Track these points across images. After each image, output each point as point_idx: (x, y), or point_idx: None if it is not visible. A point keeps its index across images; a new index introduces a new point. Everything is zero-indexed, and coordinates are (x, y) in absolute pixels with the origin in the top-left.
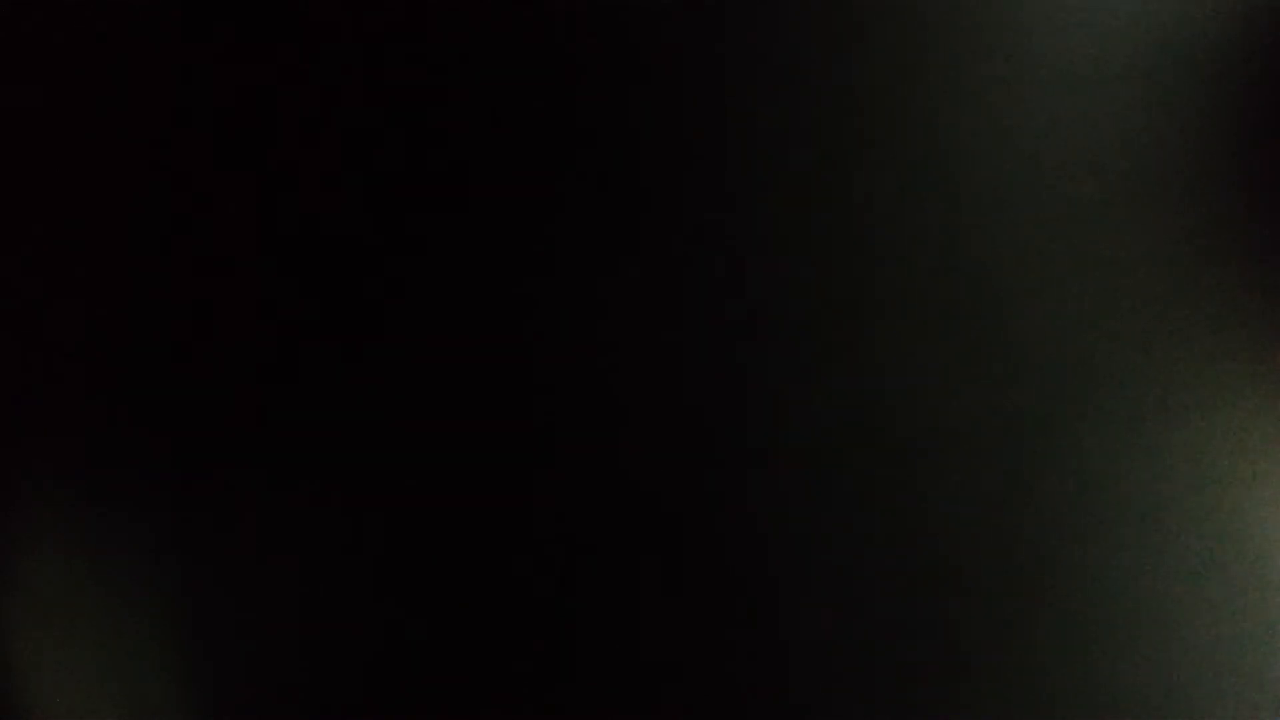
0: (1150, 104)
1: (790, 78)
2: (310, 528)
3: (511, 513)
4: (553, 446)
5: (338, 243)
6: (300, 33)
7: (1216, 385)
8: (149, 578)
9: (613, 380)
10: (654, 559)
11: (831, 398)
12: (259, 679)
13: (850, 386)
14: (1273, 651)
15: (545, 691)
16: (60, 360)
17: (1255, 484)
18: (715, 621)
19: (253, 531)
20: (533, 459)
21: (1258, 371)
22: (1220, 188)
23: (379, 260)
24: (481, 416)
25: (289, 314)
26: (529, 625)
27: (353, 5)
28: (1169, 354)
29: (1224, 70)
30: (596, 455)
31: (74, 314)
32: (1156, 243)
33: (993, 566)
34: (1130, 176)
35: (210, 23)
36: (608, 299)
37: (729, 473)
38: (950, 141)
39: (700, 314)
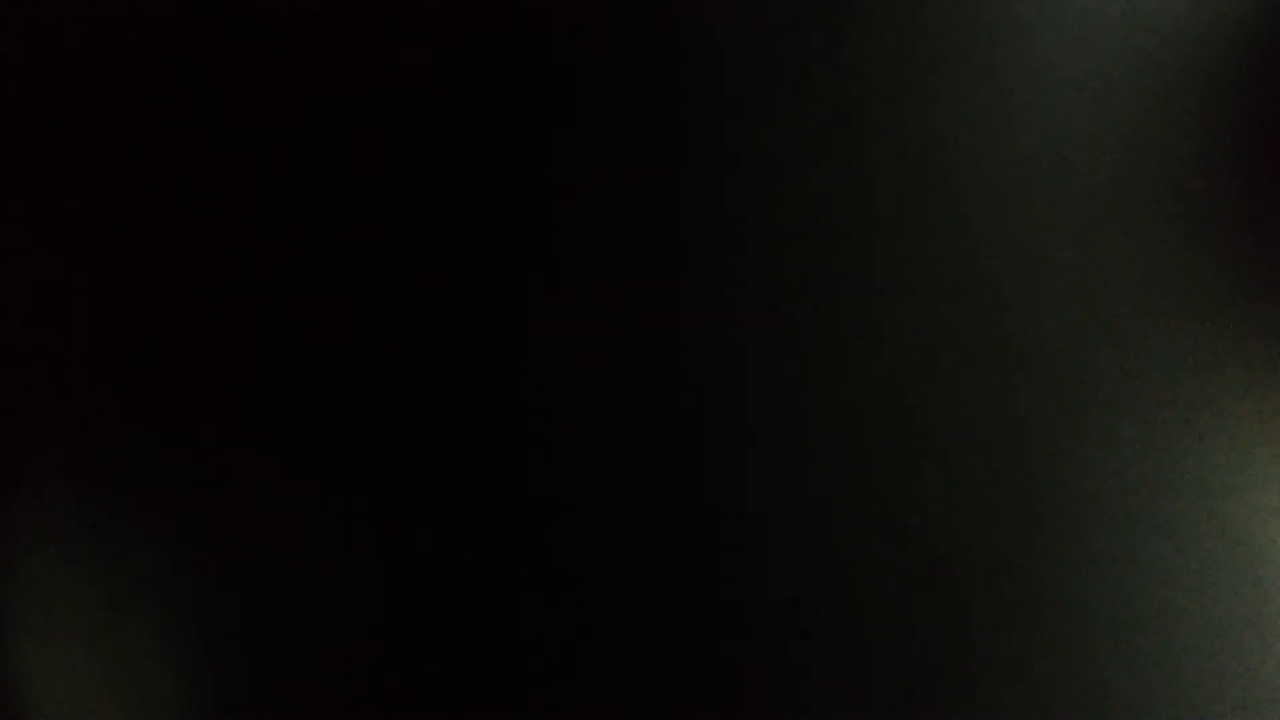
0: (1150, 104)
1: (791, 77)
2: (311, 528)
3: (512, 514)
4: (553, 444)
5: (339, 244)
6: (301, 31)
7: (1217, 386)
8: (149, 578)
9: (613, 378)
10: (654, 557)
11: (831, 398)
12: (259, 679)
13: (850, 388)
14: (1273, 652)
15: (545, 691)
16: (61, 362)
17: (1256, 485)
18: (714, 619)
19: (253, 532)
20: (533, 457)
21: (1259, 372)
22: (1221, 188)
23: (380, 261)
24: (482, 416)
25: (290, 315)
26: (529, 625)
27: (355, 4)
28: (1169, 354)
29: (1224, 70)
30: (597, 452)
31: (75, 316)
32: (1157, 244)
33: (993, 566)
34: (1131, 177)
35: (212, 20)
36: (607, 297)
37: (728, 472)
38: (951, 142)
39: (700, 314)
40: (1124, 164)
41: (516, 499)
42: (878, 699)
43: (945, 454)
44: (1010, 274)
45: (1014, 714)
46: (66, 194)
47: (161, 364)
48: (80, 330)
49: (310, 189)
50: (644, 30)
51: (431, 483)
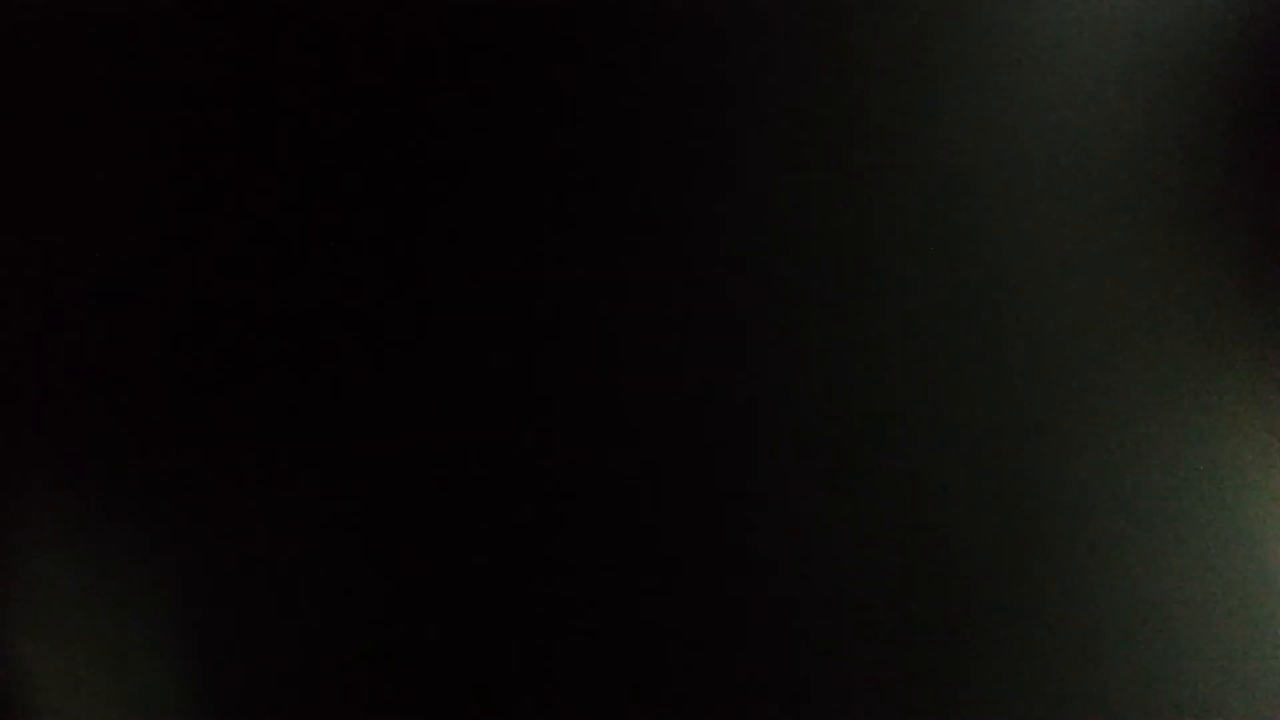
0: (1150, 104)
1: (793, 77)
2: (311, 529)
3: (513, 515)
4: (554, 444)
5: (338, 244)
6: (302, 31)
7: (1217, 385)
8: (149, 578)
9: (614, 379)
10: (654, 558)
11: (832, 397)
12: (259, 679)
13: (851, 388)
14: (1273, 651)
15: (545, 693)
16: (61, 363)
17: (1256, 484)
18: (715, 620)
19: (254, 532)
20: (535, 457)
21: (1258, 372)
22: (1220, 188)
23: (381, 261)
24: (483, 417)
25: (290, 316)
26: (529, 626)
27: (354, 5)
28: (1170, 354)
29: (1224, 70)
30: (598, 453)
31: (74, 316)
32: (1156, 243)
33: (993, 566)
34: (1130, 176)
35: (210, 20)
36: (609, 296)
37: (729, 472)
38: (950, 141)
39: (701, 315)
40: (1125, 164)
41: (516, 499)
42: (878, 699)
43: (947, 454)
44: (1012, 275)
45: (1015, 714)
46: (66, 194)
47: (162, 364)
48: (81, 330)
49: (309, 188)
50: (647, 30)
51: (432, 483)
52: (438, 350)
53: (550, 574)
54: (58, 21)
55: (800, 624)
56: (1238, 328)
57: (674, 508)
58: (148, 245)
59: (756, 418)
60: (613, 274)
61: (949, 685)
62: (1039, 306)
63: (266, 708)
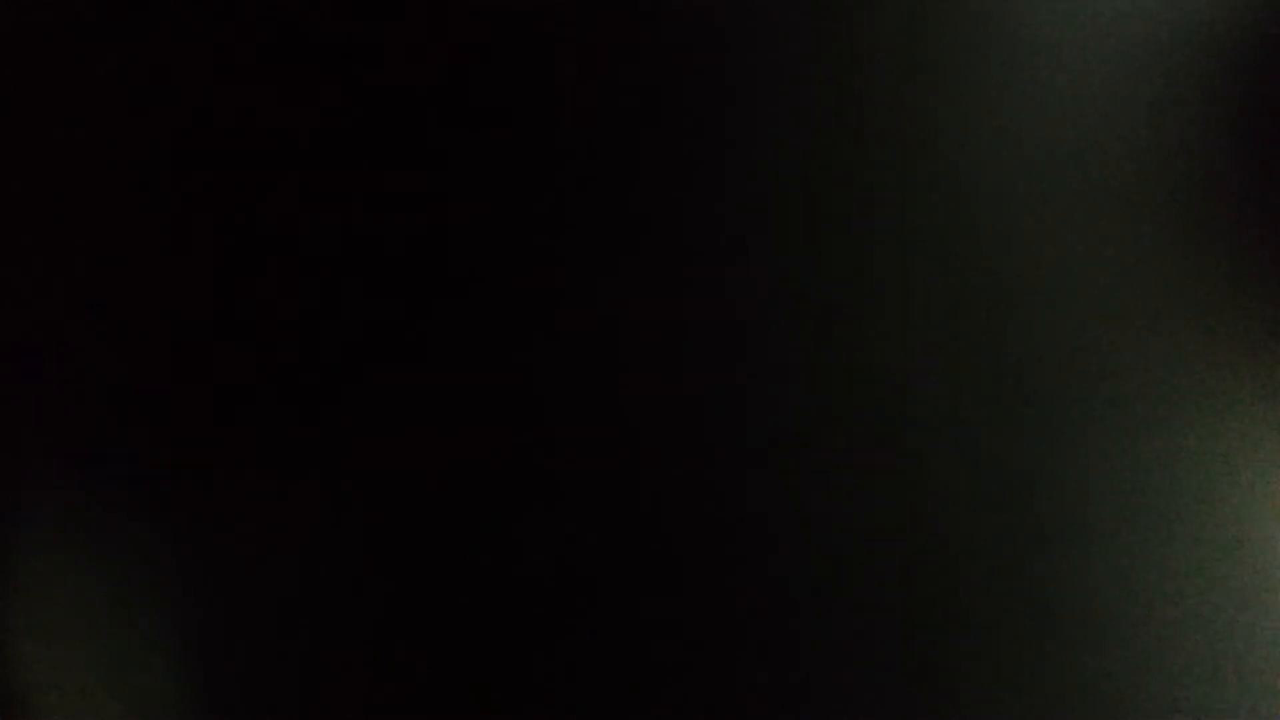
0: (1150, 104)
1: (791, 76)
2: (312, 530)
3: (513, 517)
4: (553, 445)
5: (338, 246)
6: (303, 38)
7: (1217, 386)
8: (149, 578)
9: (613, 380)
10: (655, 559)
11: (831, 398)
12: (259, 679)
13: (850, 389)
14: (1273, 653)
15: (545, 692)
16: (61, 362)
17: (1257, 486)
18: (714, 620)
19: (253, 531)
20: (534, 457)
21: (1259, 373)
22: (1221, 188)
23: (380, 261)
24: (483, 419)
25: (290, 316)
26: (531, 628)
27: (352, 11)
28: (1170, 356)
29: (1224, 70)
30: (597, 454)
31: (75, 316)
32: (1157, 244)
33: (993, 568)
34: (1130, 177)
35: (211, 29)
36: (608, 299)
37: (729, 472)
38: (950, 141)
39: (700, 314)
40: (1124, 164)
41: (516, 497)
42: (876, 698)
43: (945, 454)
44: (1009, 275)
45: (1014, 712)
46: (65, 193)
47: (162, 364)
48: (80, 330)
49: (308, 187)
50: (647, 30)
51: (432, 483)
52: (438, 349)
53: (550, 573)
54: (57, 21)
55: (800, 622)
56: (1238, 328)
57: (673, 507)
58: (148, 244)
59: (756, 417)
60: (612, 274)
61: (947, 683)
62: (1038, 306)
63: (266, 708)
